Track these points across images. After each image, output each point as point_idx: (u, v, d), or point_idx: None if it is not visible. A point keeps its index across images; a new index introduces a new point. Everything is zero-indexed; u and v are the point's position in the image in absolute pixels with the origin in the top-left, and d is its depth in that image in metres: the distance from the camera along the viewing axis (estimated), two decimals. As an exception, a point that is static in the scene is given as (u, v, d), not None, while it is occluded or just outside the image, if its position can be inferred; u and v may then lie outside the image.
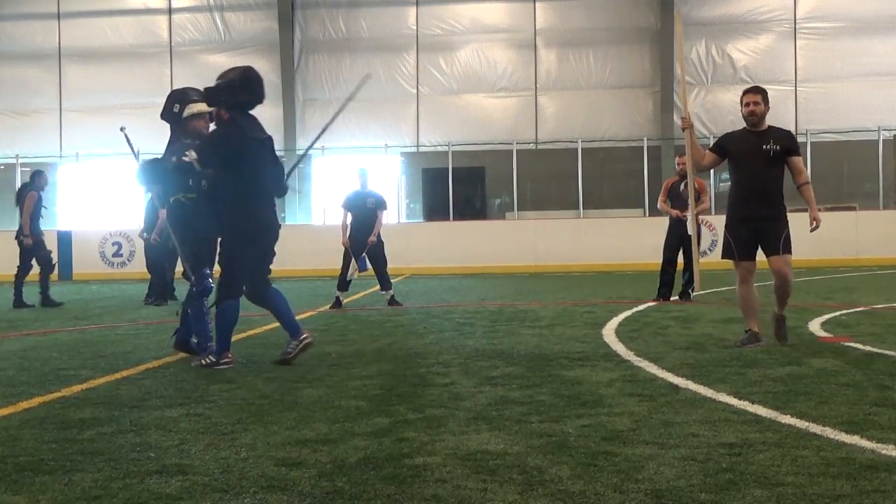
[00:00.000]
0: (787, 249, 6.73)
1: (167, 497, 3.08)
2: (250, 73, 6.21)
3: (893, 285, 13.91)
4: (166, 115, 6.81)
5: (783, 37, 25.18)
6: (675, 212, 11.15)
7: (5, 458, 3.65)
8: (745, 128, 6.94)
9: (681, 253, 11.19)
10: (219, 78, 6.17)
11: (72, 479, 3.32)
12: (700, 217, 11.27)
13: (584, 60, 25.59)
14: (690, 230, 10.97)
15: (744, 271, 6.82)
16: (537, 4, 25.78)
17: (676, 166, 11.54)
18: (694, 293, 11.00)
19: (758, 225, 6.72)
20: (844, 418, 4.12)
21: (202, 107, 6.60)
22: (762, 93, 6.92)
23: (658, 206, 11.56)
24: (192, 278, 6.64)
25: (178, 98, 6.78)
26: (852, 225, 21.54)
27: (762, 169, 6.72)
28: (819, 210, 7.02)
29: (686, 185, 11.15)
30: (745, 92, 6.97)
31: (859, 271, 18.42)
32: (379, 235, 11.67)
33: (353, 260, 11.48)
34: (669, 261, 11.35)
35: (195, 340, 6.72)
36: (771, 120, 7.01)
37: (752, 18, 25.22)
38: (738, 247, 6.77)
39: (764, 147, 6.71)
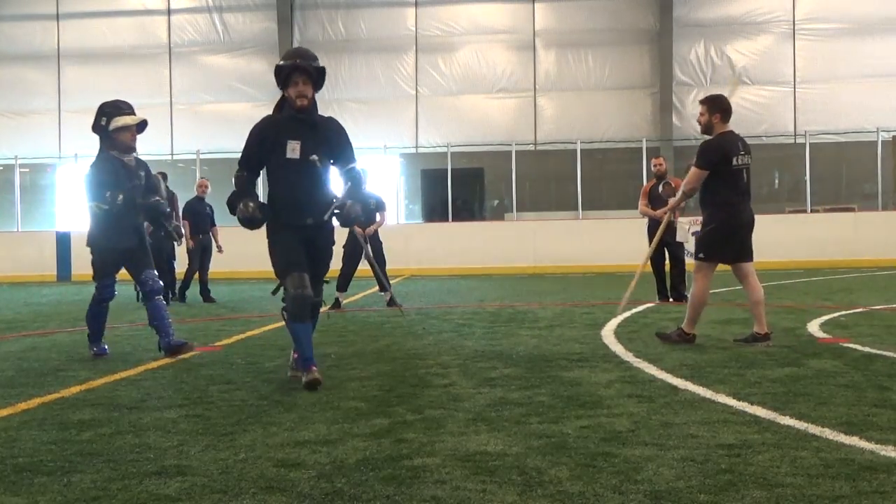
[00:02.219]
0: (696, 256, 7.08)
1: (166, 498, 3.08)
2: None
3: (892, 286, 13.92)
4: (94, 127, 6.83)
5: (782, 38, 25.19)
6: (657, 213, 11.19)
7: (4, 460, 3.65)
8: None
9: (666, 254, 11.36)
10: (316, 60, 5.56)
11: (70, 481, 3.32)
12: (677, 213, 11.38)
13: (584, 61, 25.59)
14: (680, 237, 11.13)
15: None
16: (536, 5, 25.79)
17: (653, 167, 11.60)
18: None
19: None
20: (843, 419, 4.12)
21: (127, 120, 6.69)
22: (706, 103, 7.04)
23: (640, 210, 11.61)
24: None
25: (106, 112, 6.82)
26: (851, 226, 21.56)
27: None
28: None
29: (664, 186, 11.28)
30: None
31: (858, 272, 18.42)
32: (377, 236, 11.69)
33: (359, 258, 11.53)
34: (656, 262, 11.44)
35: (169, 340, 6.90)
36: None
37: (751, 20, 25.24)
38: None
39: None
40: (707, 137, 7.01)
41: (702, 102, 7.08)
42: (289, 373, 5.70)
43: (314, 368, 5.32)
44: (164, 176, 13.80)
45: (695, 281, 7.00)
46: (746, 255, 6.95)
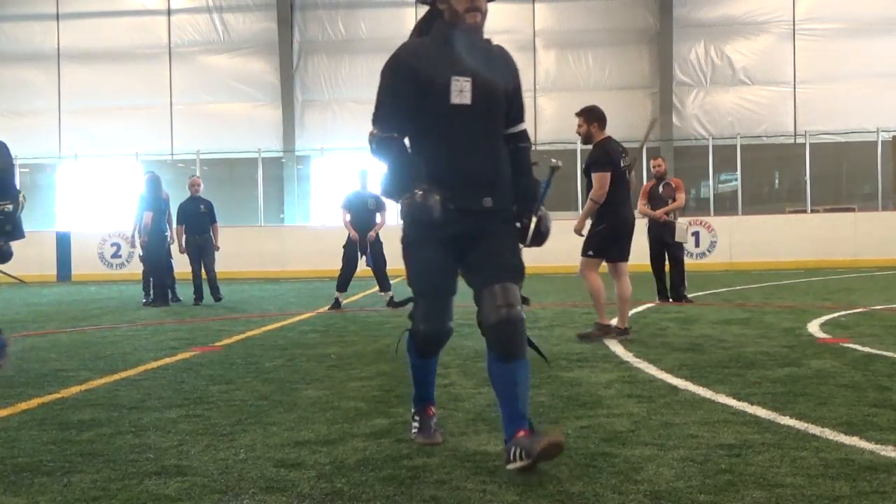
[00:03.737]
0: (584, 252, 7.48)
1: (166, 498, 3.08)
2: None
3: (892, 286, 13.92)
4: None
5: (782, 38, 25.21)
6: (657, 213, 11.24)
7: (4, 460, 3.65)
8: None
9: (665, 254, 11.35)
10: None
11: (70, 481, 3.32)
12: (677, 214, 11.41)
13: (583, 62, 25.61)
14: (678, 237, 11.14)
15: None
16: (536, 5, 25.80)
17: (652, 169, 11.64)
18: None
19: None
20: (843, 419, 4.12)
21: None
22: (584, 114, 7.47)
23: (638, 210, 11.63)
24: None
25: None
26: (851, 226, 21.56)
27: (586, 183, 7.51)
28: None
29: (664, 187, 11.30)
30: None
31: (858, 272, 18.42)
32: (378, 236, 11.70)
33: (358, 258, 11.57)
34: (655, 262, 11.44)
35: None
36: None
37: (751, 20, 25.26)
38: None
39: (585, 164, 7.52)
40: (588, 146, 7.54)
41: (578, 115, 7.50)
42: (414, 434, 3.91)
43: (432, 411, 3.87)
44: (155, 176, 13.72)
45: (586, 279, 7.42)
46: (626, 256, 7.46)
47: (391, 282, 11.94)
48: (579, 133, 7.46)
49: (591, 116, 7.41)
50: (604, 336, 7.32)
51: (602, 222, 7.33)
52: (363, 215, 11.62)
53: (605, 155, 7.29)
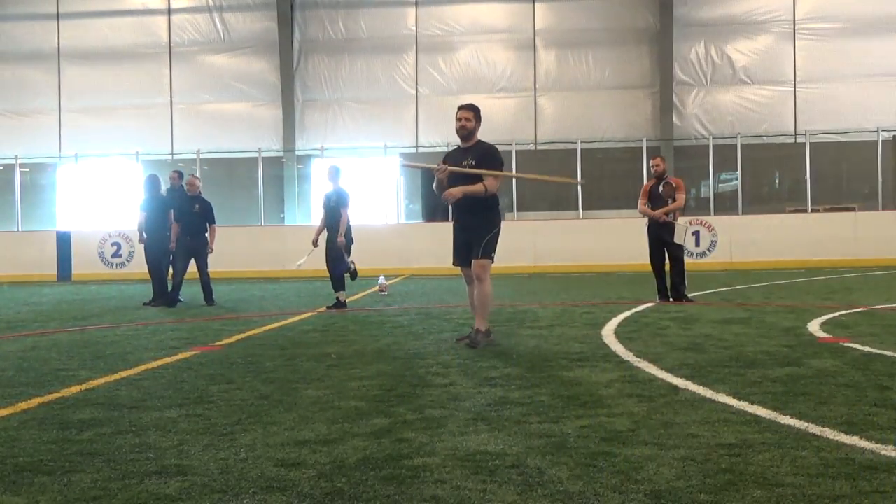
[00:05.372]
0: (486, 254, 7.30)
1: (166, 498, 3.08)
2: None
3: (892, 286, 13.92)
4: None
5: (782, 37, 25.20)
6: (656, 214, 11.20)
7: (4, 459, 3.65)
8: (458, 144, 7.52)
9: (665, 254, 11.31)
10: None
11: (71, 480, 3.32)
12: (676, 214, 11.35)
13: (584, 61, 25.60)
14: (678, 238, 11.09)
15: (464, 275, 7.55)
16: (536, 5, 25.79)
17: (651, 168, 11.62)
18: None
19: (465, 234, 7.34)
20: (844, 419, 4.12)
21: None
22: (474, 110, 7.45)
23: (638, 209, 11.62)
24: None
25: None
26: (851, 226, 21.56)
27: (460, 182, 7.27)
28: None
29: (664, 186, 11.27)
30: (459, 108, 7.50)
31: (858, 272, 18.42)
32: (350, 233, 11.34)
33: (307, 255, 11.56)
34: (655, 262, 11.42)
35: None
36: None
37: (751, 19, 25.25)
38: (454, 252, 7.51)
39: (463, 163, 7.32)
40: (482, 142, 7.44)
41: (467, 109, 7.41)
42: None
43: None
44: (180, 174, 13.63)
45: (486, 281, 7.24)
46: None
47: (390, 281, 11.91)
48: (467, 127, 7.34)
49: (479, 115, 7.48)
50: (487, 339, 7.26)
51: (495, 225, 7.38)
52: (327, 213, 11.33)
53: (499, 155, 7.44)
